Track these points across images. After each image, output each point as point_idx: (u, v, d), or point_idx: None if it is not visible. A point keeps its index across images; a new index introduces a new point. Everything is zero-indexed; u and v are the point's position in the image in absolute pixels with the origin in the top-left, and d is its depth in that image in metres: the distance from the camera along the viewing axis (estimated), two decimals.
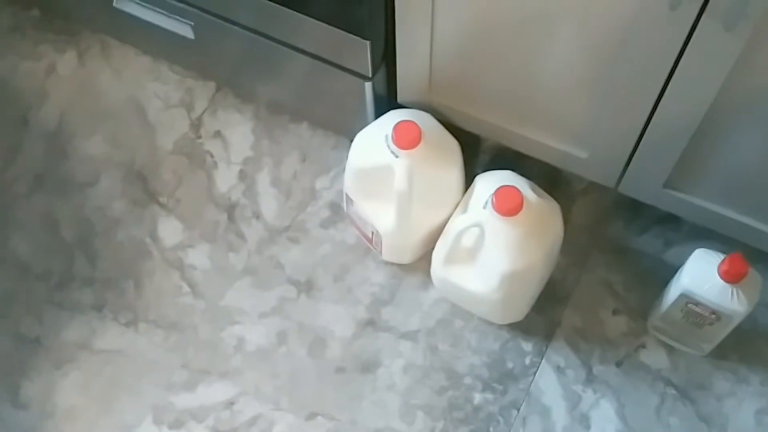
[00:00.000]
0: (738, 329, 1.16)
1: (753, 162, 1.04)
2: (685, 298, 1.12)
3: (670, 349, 1.24)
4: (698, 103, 0.98)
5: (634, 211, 1.33)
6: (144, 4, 1.32)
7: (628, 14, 0.93)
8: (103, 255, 1.35)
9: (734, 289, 1.08)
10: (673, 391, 1.22)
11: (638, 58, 0.97)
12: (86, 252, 1.35)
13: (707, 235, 1.20)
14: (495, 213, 1.09)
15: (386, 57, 1.20)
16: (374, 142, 1.17)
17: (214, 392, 1.24)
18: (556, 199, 1.21)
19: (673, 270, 1.18)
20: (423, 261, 1.29)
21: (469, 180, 1.24)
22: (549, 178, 1.33)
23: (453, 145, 1.21)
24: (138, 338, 1.28)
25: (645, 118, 1.05)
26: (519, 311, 1.24)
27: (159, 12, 1.32)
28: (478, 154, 1.38)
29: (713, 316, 1.12)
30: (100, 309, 1.30)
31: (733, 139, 1.02)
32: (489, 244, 1.13)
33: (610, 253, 1.32)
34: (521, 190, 1.10)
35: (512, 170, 1.20)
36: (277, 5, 1.15)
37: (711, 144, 1.04)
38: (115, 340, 1.28)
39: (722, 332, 1.15)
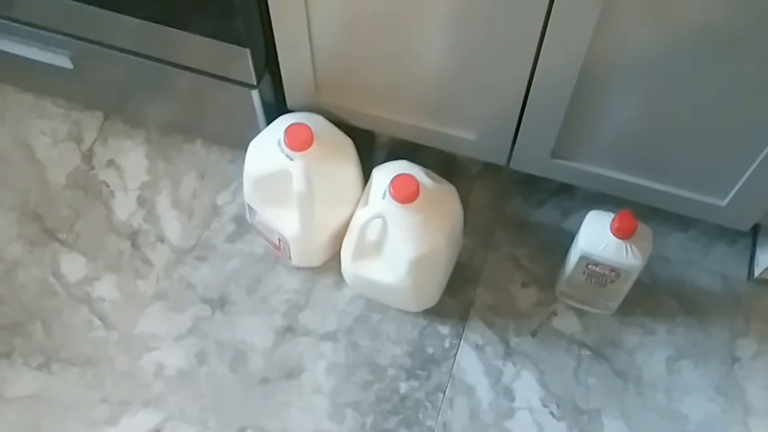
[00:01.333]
0: (639, 284, 1.22)
1: (625, 122, 1.09)
2: (585, 260, 1.17)
3: (580, 313, 1.29)
4: (569, 70, 1.03)
5: (530, 186, 1.38)
6: (16, 39, 1.29)
7: None
8: (5, 300, 1.30)
9: (628, 245, 1.13)
10: (588, 352, 1.26)
11: (506, 32, 1.01)
12: None
13: (600, 200, 1.25)
14: (394, 202, 1.11)
15: (269, 63, 1.21)
16: (268, 148, 1.18)
17: (139, 422, 1.22)
18: (454, 184, 1.24)
19: (572, 237, 1.23)
20: (333, 261, 1.30)
21: (367, 176, 1.26)
22: (446, 166, 1.37)
23: (346, 143, 1.23)
24: (52, 380, 1.25)
25: (523, 92, 1.09)
26: (432, 296, 1.27)
27: (33, 45, 1.29)
28: (374, 150, 1.40)
29: (613, 273, 1.16)
30: (8, 356, 1.26)
31: (604, 102, 1.07)
32: (393, 234, 1.15)
33: (512, 229, 1.36)
34: (416, 176, 1.12)
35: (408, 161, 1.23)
36: (152, 23, 1.15)
37: (587, 110, 1.09)
38: (28, 385, 1.24)
39: (624, 288, 1.21)
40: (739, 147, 1.07)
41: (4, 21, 1.27)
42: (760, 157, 1.06)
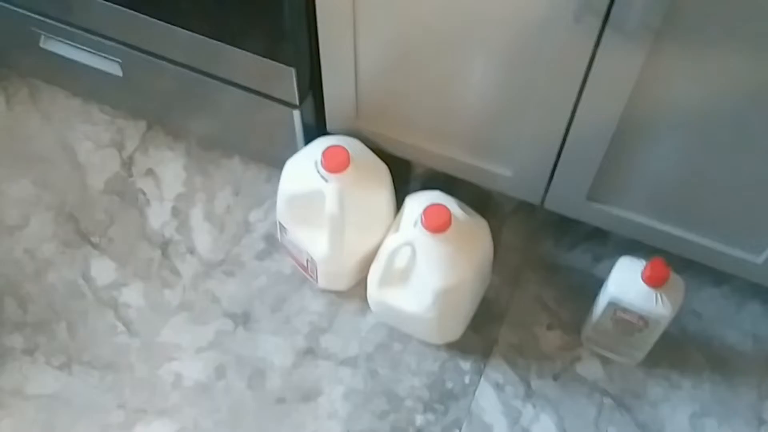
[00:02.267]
0: (667, 336, 1.20)
1: (665, 170, 1.08)
2: (614, 306, 1.15)
3: (604, 360, 1.27)
4: (609, 115, 1.03)
5: (563, 228, 1.37)
6: (71, 43, 1.33)
7: (536, 30, 0.97)
8: (33, 298, 1.32)
9: (658, 294, 1.11)
10: (610, 401, 1.24)
11: (549, 74, 1.01)
12: (16, 296, 1.32)
13: (633, 248, 1.24)
14: (425, 230, 1.11)
15: (313, 86, 1.23)
16: (304, 168, 1.19)
17: (153, 431, 1.22)
18: (486, 220, 1.24)
19: (601, 283, 1.21)
20: (359, 287, 1.30)
21: (400, 204, 1.26)
22: (479, 201, 1.36)
23: (382, 169, 1.24)
24: (72, 381, 1.25)
25: (562, 133, 1.09)
26: (455, 330, 1.26)
27: (87, 51, 1.33)
28: (409, 180, 1.41)
29: (641, 321, 1.15)
30: (31, 353, 1.27)
31: (645, 149, 1.07)
32: (421, 263, 1.14)
33: (542, 270, 1.35)
34: (449, 207, 1.12)
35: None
36: (204, 38, 1.17)
37: (626, 155, 1.09)
38: (48, 384, 1.25)
39: (651, 338, 1.18)
40: None
41: (61, 25, 1.30)
42: None
